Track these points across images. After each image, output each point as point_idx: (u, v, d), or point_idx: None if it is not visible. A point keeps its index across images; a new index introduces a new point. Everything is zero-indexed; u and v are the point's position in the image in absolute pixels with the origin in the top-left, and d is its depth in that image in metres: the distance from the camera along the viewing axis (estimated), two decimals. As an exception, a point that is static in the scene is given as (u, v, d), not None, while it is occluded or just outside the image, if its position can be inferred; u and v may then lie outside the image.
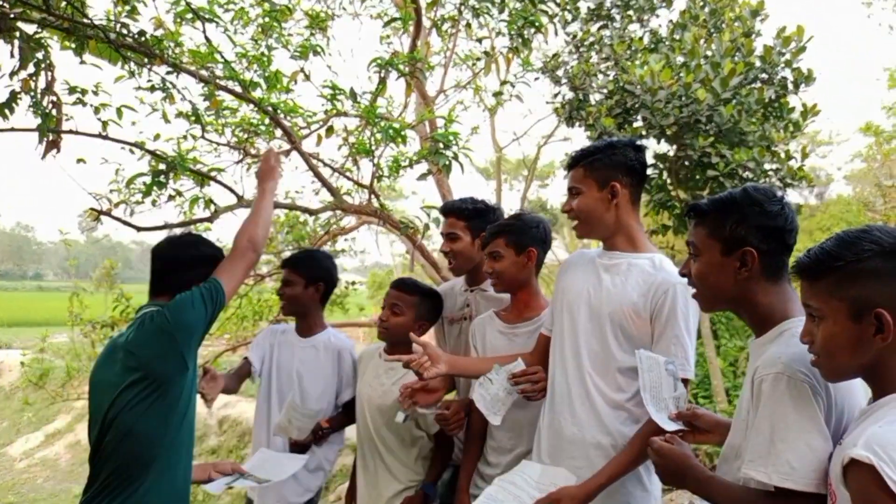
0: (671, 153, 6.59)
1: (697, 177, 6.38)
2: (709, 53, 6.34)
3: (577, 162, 2.36)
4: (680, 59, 6.36)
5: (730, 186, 6.20)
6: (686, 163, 6.35)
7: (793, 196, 9.61)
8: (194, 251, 2.41)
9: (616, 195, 2.29)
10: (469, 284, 3.06)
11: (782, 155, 6.32)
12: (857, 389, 1.54)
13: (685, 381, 2.11)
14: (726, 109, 5.91)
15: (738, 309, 1.78)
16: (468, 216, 2.93)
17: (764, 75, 6.33)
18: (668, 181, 6.71)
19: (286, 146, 4.87)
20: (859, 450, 1.24)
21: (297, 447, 3.05)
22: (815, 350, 1.43)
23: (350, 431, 3.29)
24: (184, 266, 2.34)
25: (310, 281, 3.23)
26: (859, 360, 1.37)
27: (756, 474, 1.50)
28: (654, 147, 6.84)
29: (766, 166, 6.25)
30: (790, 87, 6.41)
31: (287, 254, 8.44)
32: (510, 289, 2.65)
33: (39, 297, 41.55)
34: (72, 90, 4.00)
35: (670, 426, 1.83)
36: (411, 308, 2.84)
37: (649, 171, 6.92)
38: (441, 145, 4.24)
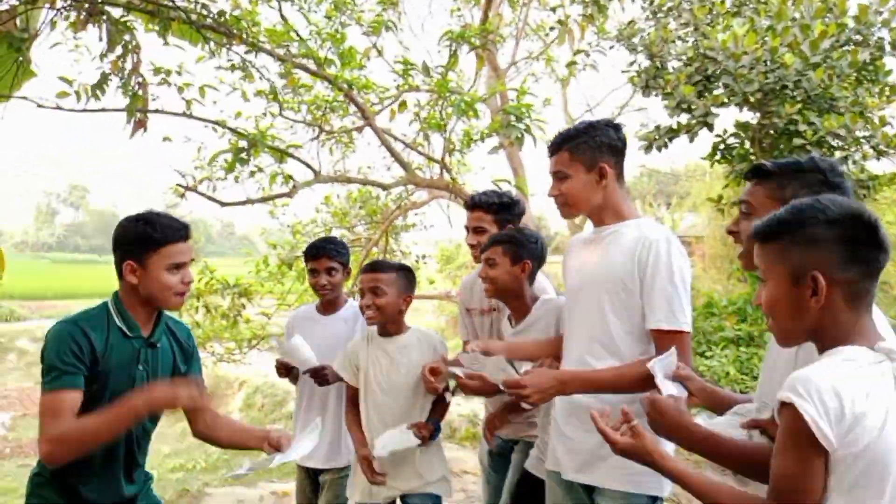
0: (754, 121, 6.30)
1: (782, 146, 6.08)
2: (797, 15, 5.99)
3: (559, 146, 2.37)
4: (765, 23, 6.04)
5: (818, 155, 5.90)
6: (771, 131, 6.07)
7: (886, 165, 9.06)
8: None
9: (605, 176, 2.30)
10: None
11: (876, 121, 5.94)
12: None
13: (680, 333, 2.15)
14: (816, 74, 5.58)
15: None
16: (495, 210, 3.03)
17: (858, 37, 5.93)
18: (751, 150, 6.43)
19: (360, 122, 4.93)
20: (784, 391, 1.31)
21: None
22: (765, 312, 1.51)
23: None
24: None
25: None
26: (802, 323, 1.43)
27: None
28: (735, 115, 6.56)
29: (858, 133, 5.89)
30: (887, 48, 5.99)
31: (360, 228, 8.60)
32: (501, 296, 2.77)
33: (128, 271, 43.90)
34: (157, 71, 4.16)
35: (670, 389, 1.87)
36: (391, 285, 2.80)
37: (731, 140, 6.66)
38: (513, 118, 4.20)
